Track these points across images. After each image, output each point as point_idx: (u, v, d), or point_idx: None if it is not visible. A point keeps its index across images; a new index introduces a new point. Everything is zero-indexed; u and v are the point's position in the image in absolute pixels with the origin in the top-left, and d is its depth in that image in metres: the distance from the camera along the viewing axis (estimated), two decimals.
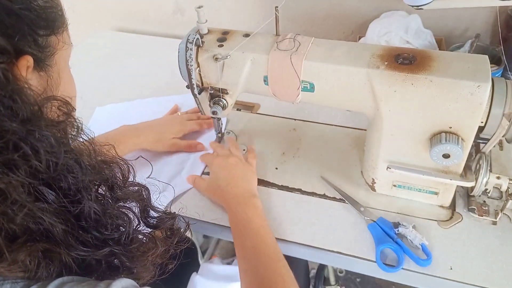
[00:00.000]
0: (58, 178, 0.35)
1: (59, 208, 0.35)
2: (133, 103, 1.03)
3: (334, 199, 0.75)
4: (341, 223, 0.71)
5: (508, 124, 0.58)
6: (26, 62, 0.39)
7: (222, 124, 0.86)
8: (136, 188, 0.44)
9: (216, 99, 0.74)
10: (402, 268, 0.64)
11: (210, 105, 0.76)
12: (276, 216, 0.74)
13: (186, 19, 1.28)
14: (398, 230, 0.67)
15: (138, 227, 0.43)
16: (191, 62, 0.68)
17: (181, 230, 0.48)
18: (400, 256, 0.65)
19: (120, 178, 0.42)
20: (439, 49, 0.99)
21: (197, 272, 0.85)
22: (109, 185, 0.40)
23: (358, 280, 1.35)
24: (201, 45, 0.69)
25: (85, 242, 0.36)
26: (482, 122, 0.59)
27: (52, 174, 0.34)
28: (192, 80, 0.70)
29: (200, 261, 0.94)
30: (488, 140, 0.62)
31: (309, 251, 0.69)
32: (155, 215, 0.46)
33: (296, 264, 0.89)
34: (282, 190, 0.78)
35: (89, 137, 0.40)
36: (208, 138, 0.90)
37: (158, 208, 0.47)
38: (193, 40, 0.67)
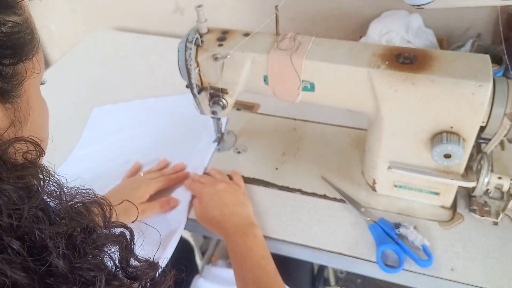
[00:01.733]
0: (22, 233, 0.31)
1: (24, 262, 0.31)
2: (131, 104, 1.02)
3: (334, 199, 0.75)
4: (341, 224, 0.71)
5: (509, 124, 0.58)
6: None
7: (222, 124, 0.86)
8: (119, 231, 0.39)
9: (216, 99, 0.74)
10: (403, 269, 0.64)
11: (209, 105, 0.75)
12: (276, 216, 0.73)
13: (186, 18, 1.28)
14: (399, 231, 0.67)
15: (116, 275, 0.38)
16: (190, 61, 0.68)
17: (162, 285, 0.42)
18: (401, 257, 0.64)
19: (100, 222, 0.37)
20: (440, 49, 0.99)
21: (200, 275, 0.84)
22: (86, 231, 0.35)
23: (359, 281, 1.35)
24: (200, 45, 0.68)
25: None
26: (483, 122, 0.59)
27: (15, 231, 0.30)
28: (192, 79, 0.70)
29: (199, 262, 0.93)
30: (489, 140, 0.62)
31: (310, 252, 0.69)
32: (135, 265, 0.40)
33: (301, 266, 0.88)
34: (282, 190, 0.78)
35: (60, 182, 0.35)
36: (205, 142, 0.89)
37: (141, 256, 0.41)
38: (192, 40, 0.67)
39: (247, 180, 0.80)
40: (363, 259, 0.66)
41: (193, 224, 0.75)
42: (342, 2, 1.09)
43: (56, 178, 0.35)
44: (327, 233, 0.70)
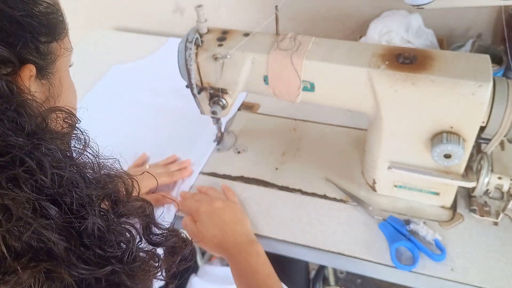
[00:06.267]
0: (62, 193, 0.34)
1: (62, 224, 0.34)
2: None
3: (334, 199, 0.75)
4: (343, 224, 0.71)
5: (509, 124, 0.58)
6: (29, 72, 0.38)
7: (221, 124, 0.86)
8: (140, 203, 0.42)
9: (216, 99, 0.74)
10: (403, 269, 0.64)
11: (209, 105, 0.75)
12: (276, 217, 0.73)
13: (186, 18, 1.28)
14: (409, 227, 0.67)
15: (140, 244, 0.41)
16: (190, 61, 0.68)
17: (185, 249, 0.46)
18: (415, 253, 0.64)
19: (123, 193, 0.40)
20: (440, 49, 0.99)
21: (196, 274, 0.84)
22: (112, 200, 0.39)
23: (358, 281, 1.35)
24: (200, 45, 0.68)
25: (87, 260, 0.35)
26: (483, 122, 0.59)
27: (57, 189, 0.33)
28: (192, 79, 0.70)
29: (199, 262, 0.93)
30: (489, 140, 0.62)
31: (311, 252, 0.69)
32: (158, 232, 0.44)
33: (296, 265, 0.88)
34: (282, 190, 0.78)
35: (95, 150, 0.38)
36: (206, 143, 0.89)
37: (162, 224, 0.44)
38: (192, 40, 0.67)
39: (247, 180, 0.80)
40: (363, 260, 0.66)
41: None
42: (342, 2, 1.09)
43: (92, 146, 0.38)
44: (327, 233, 0.70)
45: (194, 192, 0.79)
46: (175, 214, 0.75)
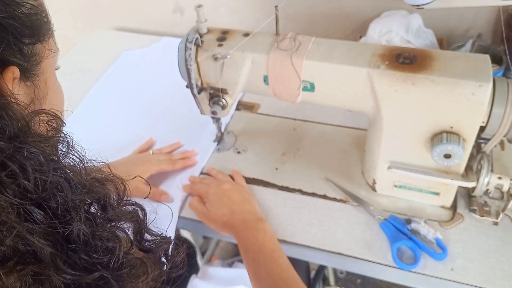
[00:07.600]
0: (47, 198, 0.33)
1: (47, 229, 0.33)
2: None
3: (334, 199, 0.75)
4: (342, 224, 0.71)
5: (509, 124, 0.58)
6: (12, 74, 0.37)
7: (221, 124, 0.86)
8: (132, 208, 0.42)
9: (216, 99, 0.74)
10: (403, 269, 0.64)
11: (209, 105, 0.75)
12: (276, 217, 0.73)
13: (186, 18, 1.28)
14: (410, 226, 0.67)
15: (131, 250, 0.40)
16: (190, 61, 0.68)
17: (176, 257, 0.45)
18: (417, 253, 0.65)
19: (114, 198, 0.40)
20: (440, 49, 0.99)
21: (196, 275, 0.84)
22: (101, 204, 0.38)
23: (358, 281, 1.35)
24: (200, 45, 0.68)
25: (73, 265, 0.35)
26: (483, 122, 0.59)
27: (40, 194, 0.33)
28: (192, 80, 0.70)
29: (199, 262, 0.93)
30: (489, 140, 0.62)
31: (311, 252, 0.69)
32: (150, 239, 0.43)
33: (296, 265, 0.88)
34: (282, 190, 0.78)
35: (80, 154, 0.38)
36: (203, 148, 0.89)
37: (154, 231, 0.44)
38: (192, 40, 0.67)
39: (247, 180, 0.80)
40: (364, 260, 0.66)
41: (193, 225, 0.75)
42: (342, 2, 1.09)
43: (78, 150, 0.37)
44: (327, 233, 0.70)
45: (203, 177, 0.81)
46: (178, 216, 0.75)
